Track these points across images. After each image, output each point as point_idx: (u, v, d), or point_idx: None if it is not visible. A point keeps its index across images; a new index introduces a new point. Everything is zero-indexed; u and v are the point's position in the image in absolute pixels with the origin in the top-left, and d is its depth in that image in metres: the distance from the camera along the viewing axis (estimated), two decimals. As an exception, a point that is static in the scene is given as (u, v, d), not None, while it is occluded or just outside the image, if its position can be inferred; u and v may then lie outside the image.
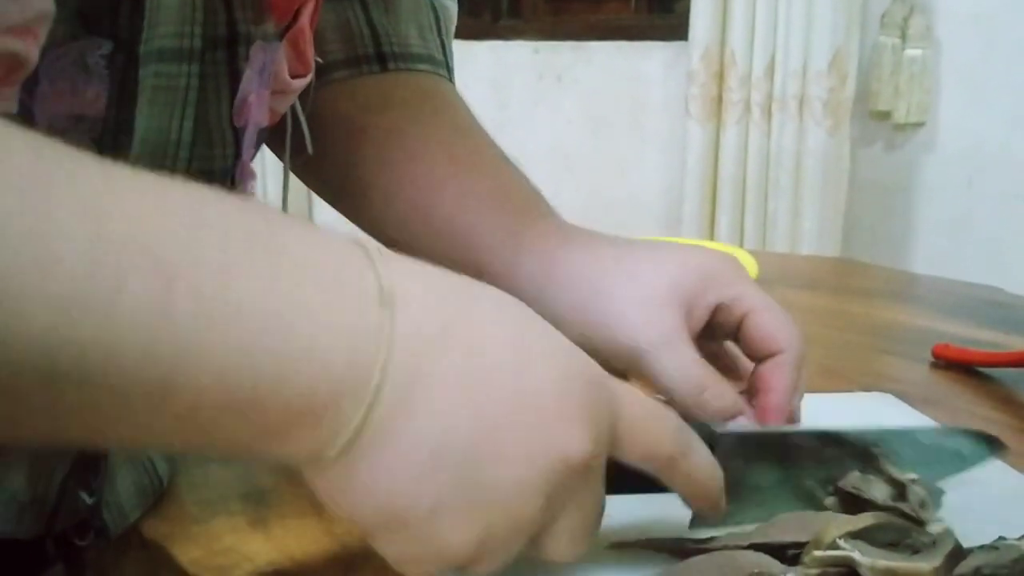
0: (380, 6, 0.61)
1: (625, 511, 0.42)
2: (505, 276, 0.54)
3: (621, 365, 0.50)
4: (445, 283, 0.34)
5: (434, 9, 0.64)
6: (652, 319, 0.49)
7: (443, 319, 0.33)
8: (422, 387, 0.31)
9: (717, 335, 0.52)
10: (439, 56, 0.64)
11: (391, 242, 0.60)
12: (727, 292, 0.50)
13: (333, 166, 0.61)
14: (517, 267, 0.54)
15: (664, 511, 0.45)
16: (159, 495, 0.50)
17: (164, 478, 0.51)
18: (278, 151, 0.56)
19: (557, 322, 0.52)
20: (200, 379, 0.28)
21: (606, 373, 0.37)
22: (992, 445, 0.50)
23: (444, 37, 0.65)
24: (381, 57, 0.61)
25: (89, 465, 0.44)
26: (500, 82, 2.78)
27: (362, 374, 0.30)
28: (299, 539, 0.47)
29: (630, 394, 0.37)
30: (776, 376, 0.49)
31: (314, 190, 0.64)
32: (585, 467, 0.34)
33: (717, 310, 0.50)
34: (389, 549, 0.33)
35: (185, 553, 0.46)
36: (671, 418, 0.38)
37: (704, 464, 0.39)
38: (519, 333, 0.35)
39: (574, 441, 0.33)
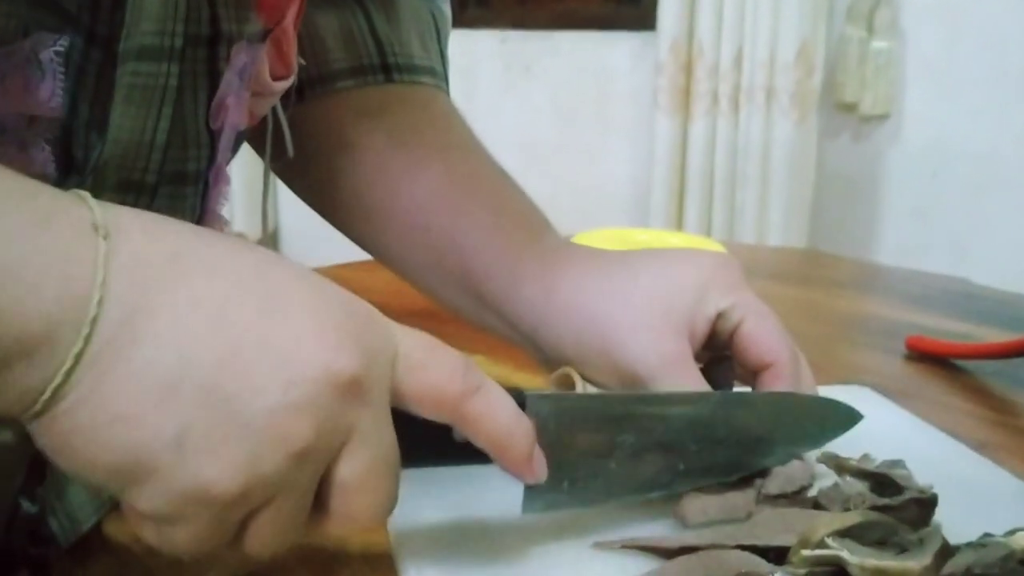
0: (382, 15, 0.60)
1: (609, 512, 0.41)
2: (504, 302, 0.54)
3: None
4: (176, 224, 0.32)
5: (434, 17, 0.63)
6: (650, 346, 0.48)
7: (173, 248, 0.31)
8: (151, 311, 0.29)
9: (715, 344, 0.50)
10: (439, 68, 0.63)
11: (385, 255, 0.60)
12: (723, 302, 0.49)
13: (328, 174, 0.59)
14: (515, 294, 0.53)
15: (649, 512, 0.45)
16: (117, 501, 0.49)
17: None
18: (261, 153, 0.54)
19: (558, 351, 0.51)
20: None
21: (384, 316, 0.35)
22: (847, 417, 0.49)
23: (443, 47, 0.64)
24: (386, 68, 0.59)
25: (36, 474, 0.42)
26: (467, 72, 2.76)
27: (78, 303, 0.28)
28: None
29: (411, 335, 0.35)
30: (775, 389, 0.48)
31: (302, 197, 0.62)
32: (356, 387, 0.32)
33: (717, 318, 0.49)
34: (144, 502, 0.30)
35: (153, 556, 0.45)
36: (458, 357, 0.36)
37: (500, 404, 0.36)
38: (267, 265, 0.33)
39: (339, 356, 0.31)
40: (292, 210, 0.64)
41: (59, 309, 0.28)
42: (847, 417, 0.49)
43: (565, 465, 0.41)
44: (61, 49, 0.36)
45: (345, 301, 0.34)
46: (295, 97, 0.58)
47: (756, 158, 2.41)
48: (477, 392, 0.35)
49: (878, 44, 2.35)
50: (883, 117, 2.41)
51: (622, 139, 2.71)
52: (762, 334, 0.48)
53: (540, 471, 0.38)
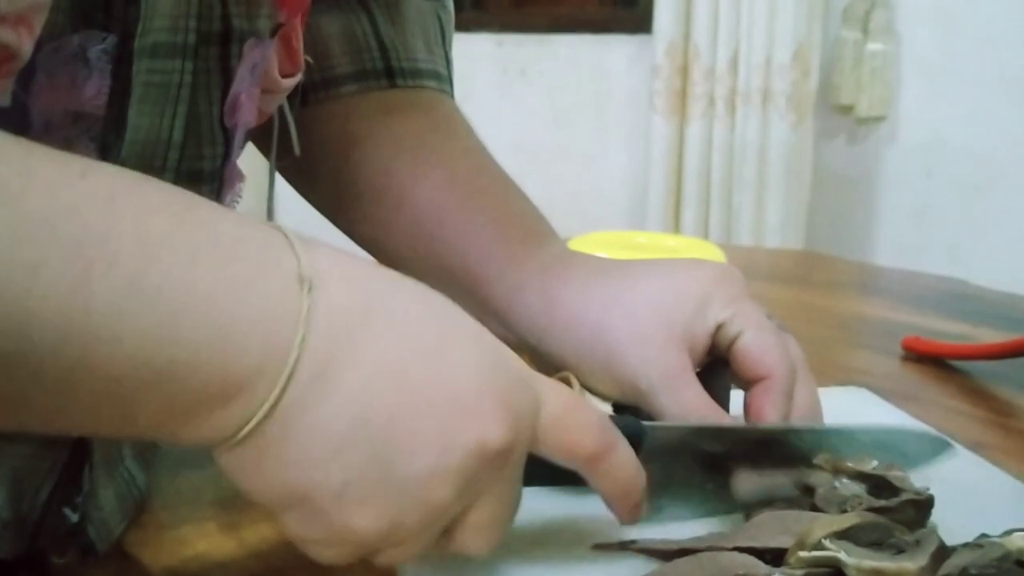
0: (387, 18, 0.60)
1: (608, 513, 0.41)
2: (505, 310, 0.54)
3: (628, 403, 0.49)
4: (366, 269, 0.35)
5: (439, 18, 0.63)
6: (651, 359, 0.48)
7: (364, 301, 0.33)
8: (340, 367, 0.31)
9: (714, 353, 0.50)
10: (444, 72, 0.62)
11: (389, 260, 0.59)
12: (723, 314, 0.49)
13: (332, 178, 0.59)
14: (516, 302, 0.53)
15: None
16: (141, 506, 0.49)
17: (143, 489, 0.49)
18: (266, 152, 0.54)
19: (559, 360, 0.51)
20: (115, 360, 0.28)
21: (531, 370, 0.37)
22: (938, 446, 0.49)
23: (447, 49, 0.64)
24: (390, 72, 0.59)
25: (73, 482, 0.43)
26: (463, 75, 2.73)
27: (278, 356, 0.31)
28: (273, 543, 0.46)
29: (554, 391, 0.37)
30: (764, 405, 0.48)
31: (305, 197, 0.62)
32: (502, 457, 0.34)
33: (716, 329, 0.49)
34: (294, 529, 0.34)
35: (157, 561, 0.45)
36: (595, 415, 0.38)
37: (627, 465, 0.38)
38: (441, 319, 0.35)
39: (492, 428, 0.33)
40: (286, 212, 0.64)
41: (260, 363, 0.30)
42: (938, 446, 0.49)
43: (668, 483, 0.44)
44: (109, 47, 0.36)
45: (506, 365, 0.35)
46: (298, 101, 0.58)
47: (753, 160, 2.42)
48: (608, 451, 0.37)
49: (874, 46, 2.36)
50: (879, 119, 2.42)
51: (618, 142, 2.71)
52: (759, 347, 0.48)
53: (641, 515, 0.40)
